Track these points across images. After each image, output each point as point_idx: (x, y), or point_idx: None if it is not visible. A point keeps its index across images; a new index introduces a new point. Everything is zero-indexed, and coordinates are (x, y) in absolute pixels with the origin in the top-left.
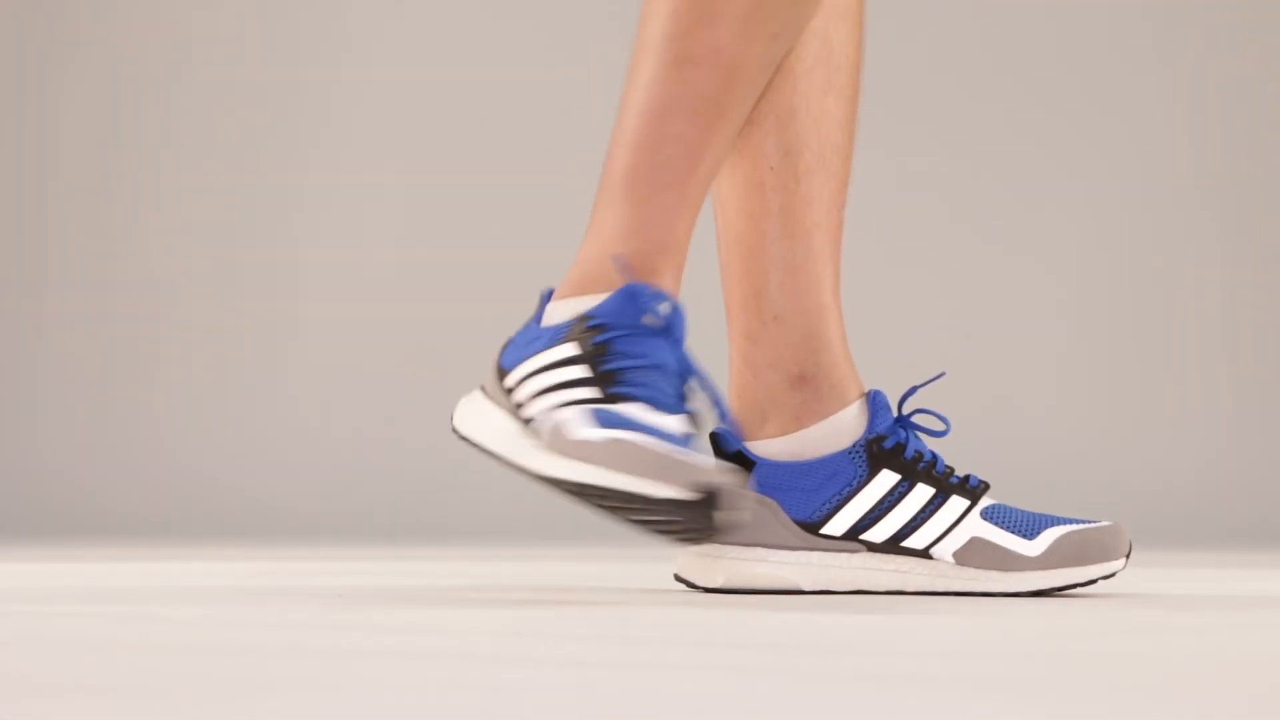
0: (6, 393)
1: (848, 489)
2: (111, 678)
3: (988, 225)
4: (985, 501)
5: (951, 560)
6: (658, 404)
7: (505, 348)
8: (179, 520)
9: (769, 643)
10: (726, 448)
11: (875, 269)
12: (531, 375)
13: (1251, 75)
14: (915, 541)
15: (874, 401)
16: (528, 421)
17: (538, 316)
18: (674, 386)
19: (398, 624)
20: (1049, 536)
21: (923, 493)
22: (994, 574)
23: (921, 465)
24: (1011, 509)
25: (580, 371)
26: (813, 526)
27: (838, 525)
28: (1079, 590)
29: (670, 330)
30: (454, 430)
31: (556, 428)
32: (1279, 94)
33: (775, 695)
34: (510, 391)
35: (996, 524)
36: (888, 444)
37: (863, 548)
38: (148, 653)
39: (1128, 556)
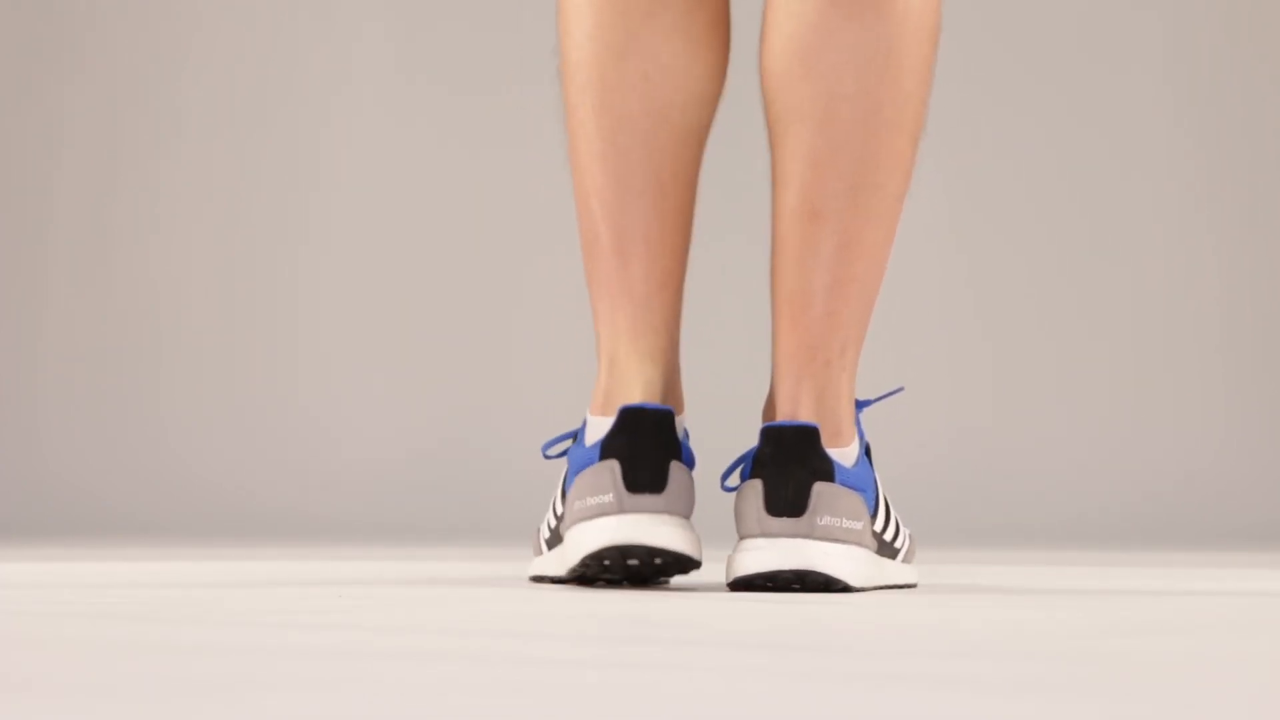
0: (7, 393)
1: None
2: (111, 678)
3: (982, 227)
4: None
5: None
6: None
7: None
8: (180, 520)
9: (764, 642)
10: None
11: None
12: (881, 514)
13: (1249, 76)
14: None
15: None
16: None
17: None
18: None
19: (399, 624)
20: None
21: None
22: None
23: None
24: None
25: (885, 500)
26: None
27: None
28: (1078, 589)
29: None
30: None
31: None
32: (1276, 95)
33: (766, 696)
34: (878, 535)
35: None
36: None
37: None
38: (148, 653)
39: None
